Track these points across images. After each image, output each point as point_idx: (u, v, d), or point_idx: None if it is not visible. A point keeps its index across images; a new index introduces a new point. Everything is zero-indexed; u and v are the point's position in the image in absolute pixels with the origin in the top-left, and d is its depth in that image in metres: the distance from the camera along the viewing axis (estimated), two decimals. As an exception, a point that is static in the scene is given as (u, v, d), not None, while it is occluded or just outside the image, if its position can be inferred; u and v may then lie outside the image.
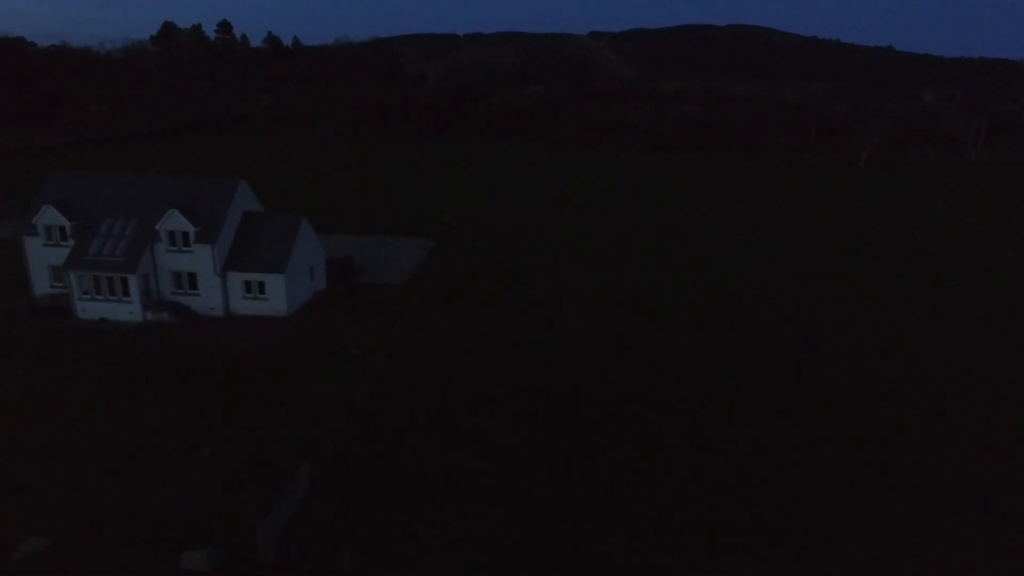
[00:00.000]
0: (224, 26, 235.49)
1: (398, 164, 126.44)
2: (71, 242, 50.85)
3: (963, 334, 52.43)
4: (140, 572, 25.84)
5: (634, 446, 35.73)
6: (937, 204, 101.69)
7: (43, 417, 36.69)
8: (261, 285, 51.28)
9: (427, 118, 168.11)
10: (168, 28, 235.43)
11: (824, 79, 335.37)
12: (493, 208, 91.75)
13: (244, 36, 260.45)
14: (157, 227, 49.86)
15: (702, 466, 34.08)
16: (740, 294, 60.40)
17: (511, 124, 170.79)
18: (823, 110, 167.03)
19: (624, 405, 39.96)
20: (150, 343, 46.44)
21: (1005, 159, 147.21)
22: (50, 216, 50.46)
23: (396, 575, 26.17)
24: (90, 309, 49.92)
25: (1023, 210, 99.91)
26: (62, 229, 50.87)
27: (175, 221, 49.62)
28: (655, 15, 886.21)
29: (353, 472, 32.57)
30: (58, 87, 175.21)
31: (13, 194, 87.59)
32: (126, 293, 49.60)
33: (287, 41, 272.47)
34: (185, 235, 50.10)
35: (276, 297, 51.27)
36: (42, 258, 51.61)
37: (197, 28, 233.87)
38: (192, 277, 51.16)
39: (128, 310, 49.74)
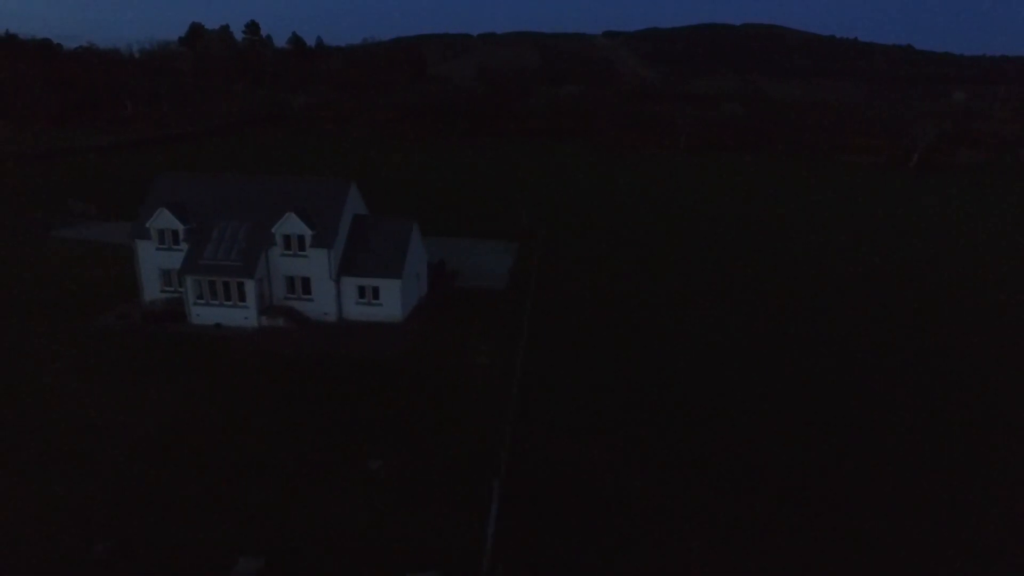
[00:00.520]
0: (252, 27, 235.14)
1: (444, 164, 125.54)
2: (183, 246, 49.98)
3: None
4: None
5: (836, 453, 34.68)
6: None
7: (207, 432, 35.76)
8: (375, 290, 50.29)
9: (464, 118, 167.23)
10: (196, 29, 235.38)
11: (844, 78, 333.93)
12: (560, 209, 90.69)
13: (268, 36, 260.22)
14: (273, 230, 48.92)
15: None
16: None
17: (548, 124, 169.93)
18: (870, 110, 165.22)
19: (778, 412, 38.90)
20: (275, 350, 45.48)
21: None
22: (164, 219, 49.57)
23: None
24: (204, 314, 49.01)
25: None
26: (175, 233, 49.98)
27: (292, 225, 48.67)
28: (669, 14, 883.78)
29: (539, 488, 31.50)
30: (94, 88, 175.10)
31: (81, 195, 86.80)
32: (242, 298, 48.67)
33: (310, 42, 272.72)
34: (301, 239, 49.15)
35: (391, 303, 50.27)
36: (153, 262, 50.72)
37: (225, 29, 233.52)
38: (306, 282, 50.21)
39: (243, 315, 48.81)
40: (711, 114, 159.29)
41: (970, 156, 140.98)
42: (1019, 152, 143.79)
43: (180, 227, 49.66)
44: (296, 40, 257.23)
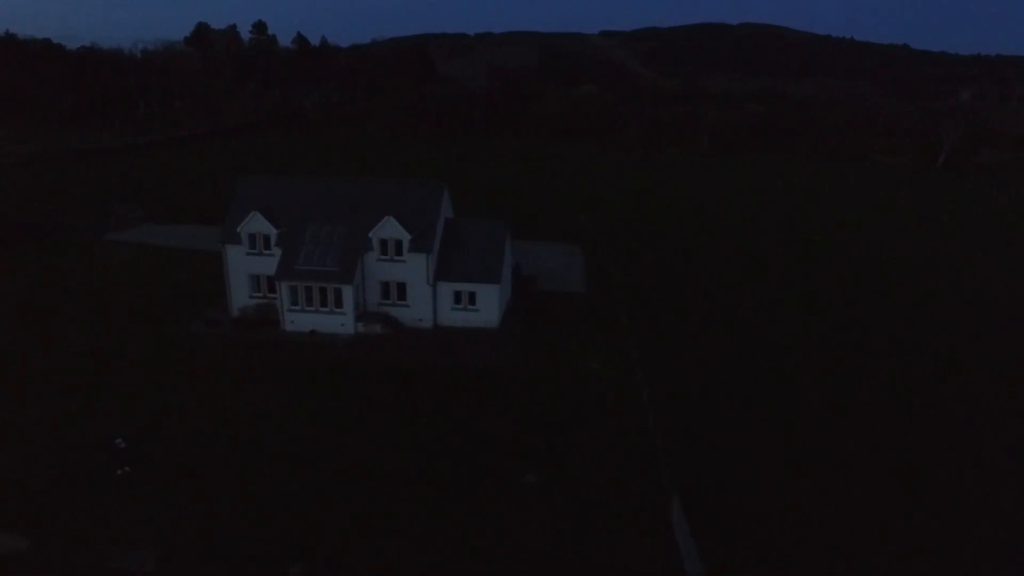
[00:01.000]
0: (259, 27, 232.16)
1: (469, 165, 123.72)
2: (274, 251, 48.58)
3: None
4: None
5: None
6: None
7: (348, 444, 34.51)
8: (472, 296, 49.12)
9: (482, 118, 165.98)
10: (202, 29, 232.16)
11: (842, 77, 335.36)
12: (605, 211, 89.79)
13: (274, 36, 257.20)
14: (370, 235, 47.63)
15: None
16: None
17: (566, 125, 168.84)
18: (887, 110, 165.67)
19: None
20: (380, 358, 44.19)
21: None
22: (256, 223, 48.11)
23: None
24: (299, 321, 47.62)
25: None
26: (266, 237, 48.55)
27: (390, 229, 47.40)
28: (666, 14, 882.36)
29: (717, 508, 30.45)
30: (104, 89, 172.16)
31: (115, 197, 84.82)
32: (338, 304, 47.33)
33: (314, 41, 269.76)
34: (398, 243, 47.89)
35: (488, 308, 49.12)
36: (243, 267, 49.25)
37: (232, 29, 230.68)
38: (401, 287, 48.96)
39: (340, 322, 47.47)
40: (732, 114, 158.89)
41: (993, 156, 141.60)
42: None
43: (272, 231, 48.25)
44: (301, 40, 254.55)
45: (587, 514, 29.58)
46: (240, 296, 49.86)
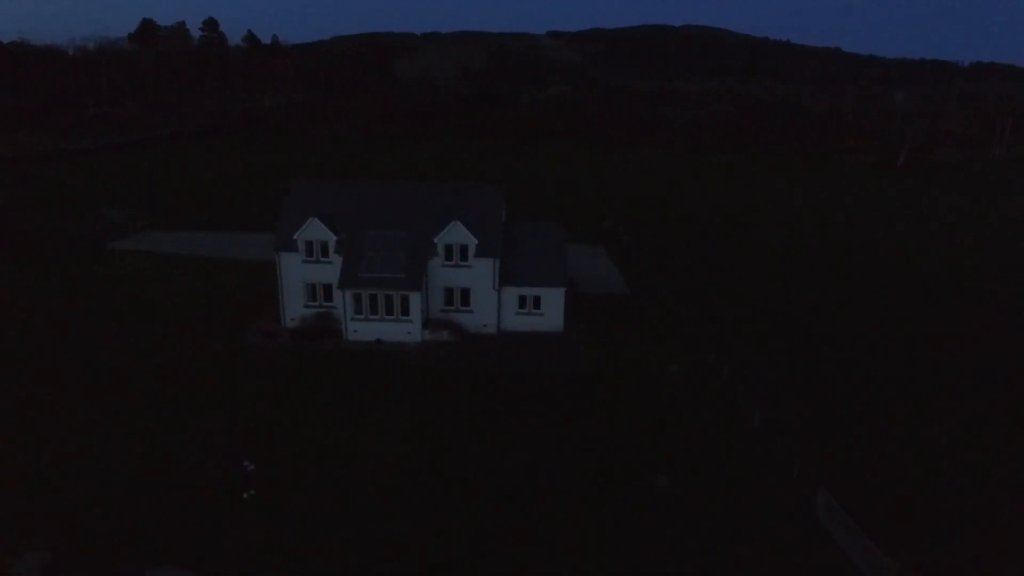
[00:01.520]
0: (211, 24, 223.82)
1: (456, 166, 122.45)
2: (331, 258, 46.87)
3: None
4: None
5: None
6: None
7: (454, 453, 33.58)
8: (536, 300, 48.54)
9: (456, 119, 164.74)
10: (148, 26, 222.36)
11: (782, 79, 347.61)
12: (610, 210, 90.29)
13: (222, 33, 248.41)
14: (436, 240, 46.50)
15: None
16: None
17: (539, 124, 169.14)
18: (849, 110, 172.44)
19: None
20: (453, 365, 43.22)
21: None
22: (315, 230, 46.26)
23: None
24: (363, 330, 46.06)
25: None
26: (324, 244, 46.75)
27: (457, 234, 46.38)
28: (611, 15, 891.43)
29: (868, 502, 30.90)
30: (49, 89, 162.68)
31: (108, 203, 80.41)
32: (405, 312, 46.02)
33: (264, 39, 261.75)
34: (464, 249, 46.91)
35: (553, 312, 48.64)
36: (299, 275, 47.28)
37: (181, 26, 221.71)
38: (465, 293, 47.98)
39: (407, 330, 46.17)
40: (703, 114, 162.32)
41: (947, 155, 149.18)
42: (992, 150, 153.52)
43: (331, 238, 46.52)
44: (251, 38, 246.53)
45: (731, 513, 29.72)
46: (295, 305, 47.88)
